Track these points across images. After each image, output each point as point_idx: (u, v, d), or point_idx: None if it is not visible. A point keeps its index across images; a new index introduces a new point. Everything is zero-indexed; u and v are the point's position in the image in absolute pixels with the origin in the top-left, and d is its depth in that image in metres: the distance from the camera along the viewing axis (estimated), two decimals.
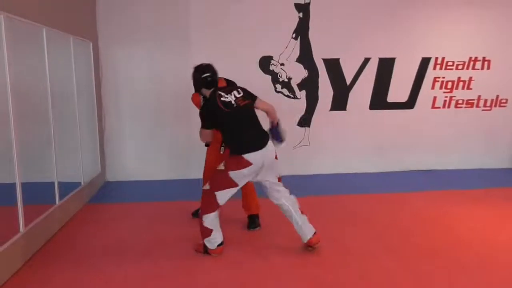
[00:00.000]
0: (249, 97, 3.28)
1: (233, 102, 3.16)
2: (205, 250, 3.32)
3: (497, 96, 6.10)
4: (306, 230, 3.31)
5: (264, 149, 3.15)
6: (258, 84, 5.60)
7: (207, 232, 3.25)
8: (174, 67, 5.48)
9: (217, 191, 3.17)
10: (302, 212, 3.34)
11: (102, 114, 5.49)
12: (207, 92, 3.30)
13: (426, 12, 5.76)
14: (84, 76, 4.84)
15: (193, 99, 3.76)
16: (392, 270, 3.07)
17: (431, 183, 5.48)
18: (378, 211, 4.38)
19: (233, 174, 3.12)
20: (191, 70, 3.38)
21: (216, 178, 3.22)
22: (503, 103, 6.11)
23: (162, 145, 5.70)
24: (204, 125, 3.24)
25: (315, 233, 3.32)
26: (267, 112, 3.41)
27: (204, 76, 3.26)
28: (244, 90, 3.30)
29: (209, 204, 3.22)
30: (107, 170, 5.66)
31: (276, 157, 3.29)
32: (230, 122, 3.17)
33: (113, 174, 5.68)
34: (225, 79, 3.73)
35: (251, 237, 3.72)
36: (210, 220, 3.23)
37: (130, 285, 2.90)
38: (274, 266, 3.14)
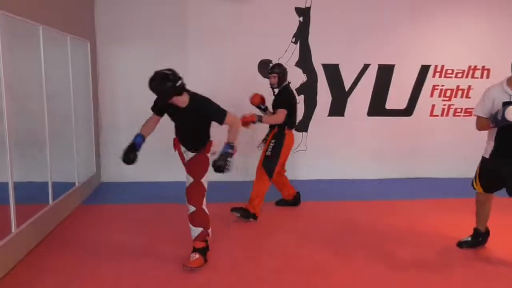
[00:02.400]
0: None
1: None
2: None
3: None
4: None
5: None
6: (257, 88, 5.58)
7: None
8: (172, 68, 5.44)
9: None
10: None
11: (98, 114, 5.46)
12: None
13: (427, 19, 5.77)
14: (81, 76, 4.82)
15: (254, 99, 4.42)
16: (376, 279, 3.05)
17: (428, 191, 5.46)
18: (372, 218, 4.35)
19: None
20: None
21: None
22: None
23: (159, 147, 5.64)
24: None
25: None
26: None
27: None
28: None
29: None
30: (102, 171, 5.63)
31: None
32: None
33: (108, 175, 5.64)
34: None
35: (244, 240, 3.69)
36: None
37: (122, 287, 2.86)
38: (267, 269, 3.11)
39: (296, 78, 5.68)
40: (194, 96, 3.11)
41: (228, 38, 5.50)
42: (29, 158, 3.64)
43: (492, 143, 3.35)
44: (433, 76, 5.93)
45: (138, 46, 5.44)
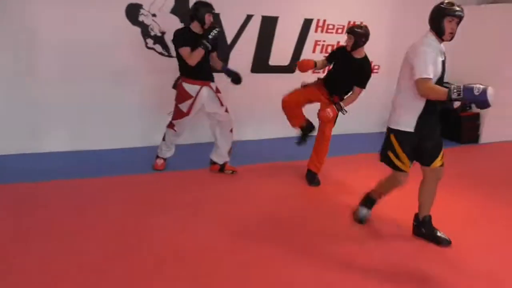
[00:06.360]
0: None
1: None
2: None
3: (371, 63, 6.23)
4: None
5: None
6: (125, 37, 4.77)
7: None
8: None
9: None
10: None
11: None
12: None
13: None
14: None
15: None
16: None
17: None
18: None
19: None
20: None
21: None
22: (376, 69, 6.29)
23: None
24: None
25: None
26: None
27: None
28: None
29: None
30: None
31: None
32: None
33: None
34: None
35: None
36: None
37: None
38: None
39: (171, 26, 4.94)
40: None
41: None
42: None
43: (417, 115, 2.98)
44: (316, 31, 5.77)
45: None
